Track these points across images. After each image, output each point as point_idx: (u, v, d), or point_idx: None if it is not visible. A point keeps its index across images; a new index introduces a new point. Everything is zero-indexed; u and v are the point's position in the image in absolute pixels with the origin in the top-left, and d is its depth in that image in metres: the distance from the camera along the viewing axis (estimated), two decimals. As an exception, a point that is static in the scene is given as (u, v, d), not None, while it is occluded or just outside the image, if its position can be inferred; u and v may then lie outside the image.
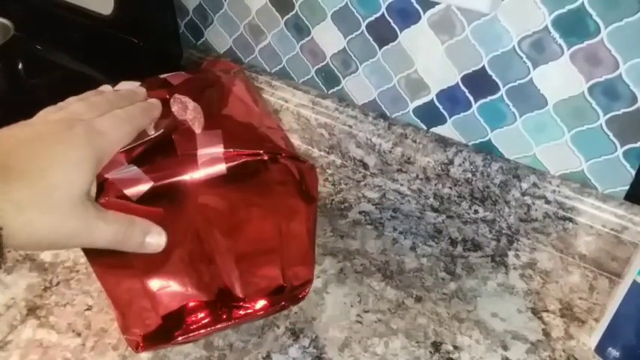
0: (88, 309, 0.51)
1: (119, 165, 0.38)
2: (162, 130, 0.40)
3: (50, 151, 0.32)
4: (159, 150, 0.39)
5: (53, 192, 0.31)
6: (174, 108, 0.42)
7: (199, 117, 0.41)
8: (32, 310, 0.51)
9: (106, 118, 0.36)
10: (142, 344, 0.45)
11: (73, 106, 0.36)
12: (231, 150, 0.38)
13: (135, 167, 0.37)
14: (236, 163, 0.38)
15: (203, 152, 0.38)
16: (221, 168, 0.38)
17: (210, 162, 0.38)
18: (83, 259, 0.56)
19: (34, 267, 0.55)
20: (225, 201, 0.40)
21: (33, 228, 0.31)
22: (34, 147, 0.32)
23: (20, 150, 0.32)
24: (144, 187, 0.37)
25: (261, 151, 0.39)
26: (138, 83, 0.44)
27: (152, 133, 0.40)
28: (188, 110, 0.42)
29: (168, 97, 0.43)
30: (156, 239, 0.37)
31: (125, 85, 0.43)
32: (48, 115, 0.36)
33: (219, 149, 0.38)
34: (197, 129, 0.40)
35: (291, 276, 0.47)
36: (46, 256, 0.56)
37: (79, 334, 0.49)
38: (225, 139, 0.39)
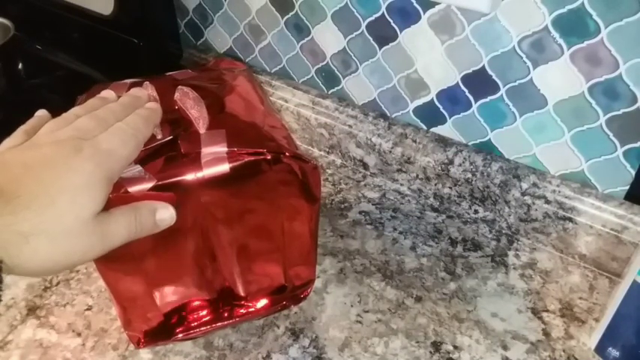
0: (88, 309, 0.51)
1: None
2: (170, 137, 0.40)
3: (59, 177, 0.31)
4: (163, 149, 0.39)
5: (63, 219, 0.31)
6: (177, 95, 0.42)
7: (204, 115, 0.41)
8: (32, 310, 0.51)
9: (112, 135, 0.35)
10: (143, 340, 0.45)
11: (79, 121, 0.36)
12: (235, 149, 0.39)
13: (139, 166, 0.37)
14: (239, 162, 0.38)
15: (207, 151, 0.38)
16: (224, 168, 0.38)
17: (213, 161, 0.38)
18: (83, 259, 0.56)
19: (34, 267, 0.55)
20: (229, 200, 0.40)
21: (43, 256, 0.31)
22: (41, 173, 0.31)
23: (27, 177, 0.31)
24: (147, 185, 0.37)
25: (265, 151, 0.39)
26: (146, 82, 0.44)
27: (160, 138, 0.40)
28: (189, 101, 0.42)
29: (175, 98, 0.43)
30: (165, 213, 0.37)
31: (132, 91, 0.42)
32: (53, 131, 0.35)
33: (222, 148, 0.38)
34: (201, 129, 0.40)
35: (292, 276, 0.47)
36: (46, 256, 0.56)
37: (79, 334, 0.49)
38: (229, 138, 0.39)
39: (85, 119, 0.36)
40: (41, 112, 0.39)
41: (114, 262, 0.40)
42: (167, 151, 0.39)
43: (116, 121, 0.36)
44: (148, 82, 0.44)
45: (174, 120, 0.41)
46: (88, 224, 0.32)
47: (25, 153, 0.33)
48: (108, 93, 0.42)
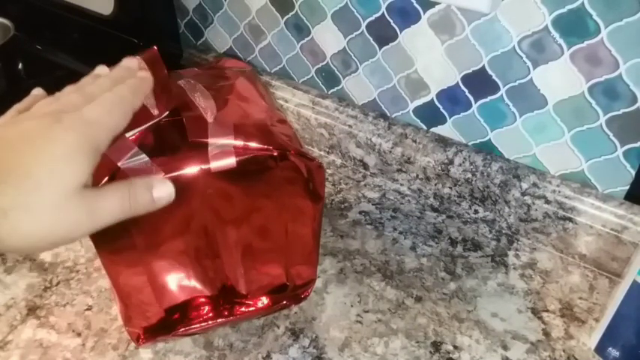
0: (88, 309, 0.51)
1: (128, 150, 0.38)
2: (167, 113, 0.39)
3: (37, 150, 0.30)
4: (169, 133, 0.39)
5: (42, 192, 0.30)
6: (182, 82, 0.42)
7: (212, 105, 0.41)
8: (32, 310, 0.51)
9: (96, 104, 0.33)
10: (142, 336, 0.45)
11: (67, 97, 0.35)
12: (242, 143, 0.38)
13: (146, 156, 0.37)
14: (246, 157, 0.38)
15: (214, 142, 0.38)
16: (231, 161, 0.38)
17: (220, 155, 0.38)
18: (83, 259, 0.56)
19: (34, 267, 0.55)
20: (233, 195, 0.40)
21: (24, 232, 0.30)
22: (19, 146, 0.30)
23: (5, 151, 0.30)
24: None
25: (272, 147, 0.39)
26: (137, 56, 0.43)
27: (156, 113, 0.39)
28: (196, 92, 0.41)
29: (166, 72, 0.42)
30: (164, 190, 0.35)
31: (124, 62, 0.40)
32: (42, 107, 0.34)
33: (230, 141, 0.38)
34: (209, 118, 0.40)
35: (294, 275, 0.48)
36: (46, 256, 0.56)
37: (79, 334, 0.49)
38: (236, 132, 0.39)
39: (72, 94, 0.35)
40: (37, 91, 0.38)
41: (117, 255, 0.40)
42: (173, 133, 0.38)
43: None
44: (139, 57, 0.42)
45: (172, 102, 0.40)
46: (72, 198, 0.31)
47: (7, 129, 0.32)
48: (101, 69, 0.40)
